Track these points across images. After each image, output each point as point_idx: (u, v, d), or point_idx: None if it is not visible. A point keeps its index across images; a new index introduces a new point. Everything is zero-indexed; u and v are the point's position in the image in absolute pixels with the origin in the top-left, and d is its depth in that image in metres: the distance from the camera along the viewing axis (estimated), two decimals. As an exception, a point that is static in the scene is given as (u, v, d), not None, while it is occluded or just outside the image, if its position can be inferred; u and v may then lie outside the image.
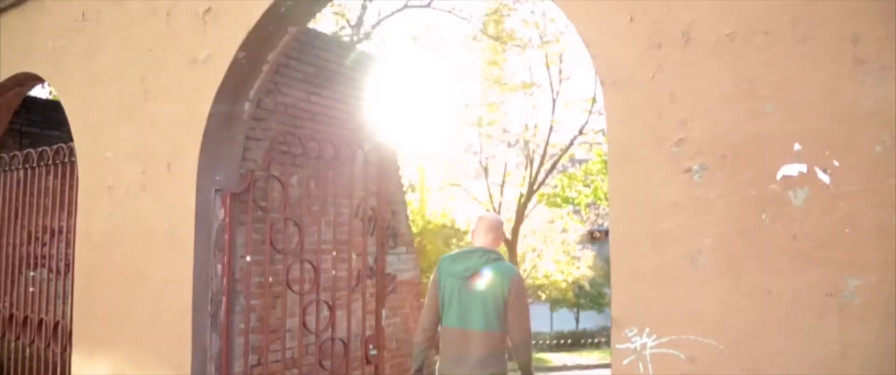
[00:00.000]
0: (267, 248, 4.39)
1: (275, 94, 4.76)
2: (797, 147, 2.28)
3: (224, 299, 4.16)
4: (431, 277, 3.69)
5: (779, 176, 2.30)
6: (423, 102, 13.19)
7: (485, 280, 3.44)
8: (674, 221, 2.47)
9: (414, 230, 20.86)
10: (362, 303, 4.94)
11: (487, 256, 3.51)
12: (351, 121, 5.44)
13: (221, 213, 4.18)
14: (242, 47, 3.95)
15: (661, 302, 2.47)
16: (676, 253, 2.45)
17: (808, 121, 2.27)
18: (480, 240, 3.65)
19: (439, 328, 3.64)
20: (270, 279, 4.44)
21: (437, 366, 3.67)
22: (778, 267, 2.28)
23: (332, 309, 4.73)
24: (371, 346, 4.93)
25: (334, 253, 4.77)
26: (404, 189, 6.06)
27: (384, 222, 5.08)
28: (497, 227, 3.71)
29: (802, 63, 2.29)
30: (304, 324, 4.53)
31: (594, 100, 15.45)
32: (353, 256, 5.05)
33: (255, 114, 4.56)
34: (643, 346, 2.48)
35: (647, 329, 2.48)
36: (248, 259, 4.29)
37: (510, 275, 3.47)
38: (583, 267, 29.99)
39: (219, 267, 4.16)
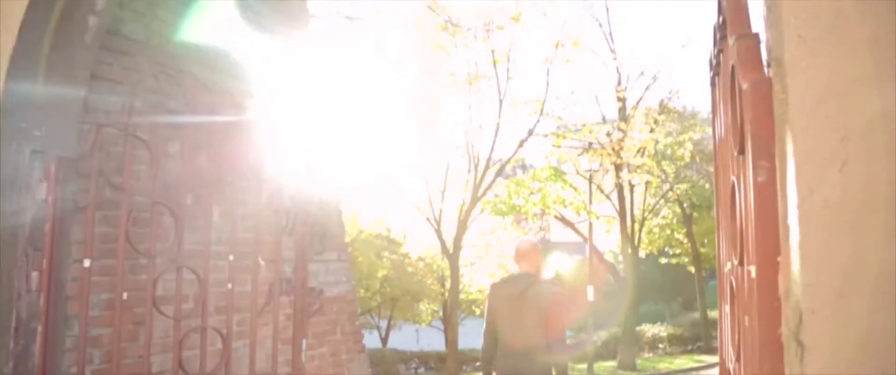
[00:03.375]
0: (121, 248, 2.82)
1: (147, 19, 3.21)
2: None
3: (41, 328, 2.58)
4: (486, 303, 4.37)
5: None
6: (357, 96, 11.70)
7: (532, 299, 4.04)
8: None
9: (346, 238, 19.09)
10: (274, 330, 3.41)
11: (531, 279, 4.15)
12: (263, 75, 3.93)
13: (42, 190, 2.61)
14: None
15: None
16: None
17: None
18: (524, 266, 4.24)
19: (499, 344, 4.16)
20: (126, 295, 2.87)
21: None
22: None
23: (226, 339, 3.19)
24: (285, 393, 3.42)
25: (231, 258, 3.23)
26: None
27: (308, 216, 3.59)
28: (536, 252, 4.28)
29: None
30: (180, 365, 2.98)
31: (543, 103, 14.33)
32: (262, 263, 3.53)
33: (112, 44, 3.01)
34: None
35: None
36: (88, 263, 2.72)
37: (551, 292, 4.15)
38: (518, 281, 28.98)
39: (34, 276, 2.58)
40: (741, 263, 1.67)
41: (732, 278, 1.90)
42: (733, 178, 1.77)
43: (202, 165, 3.32)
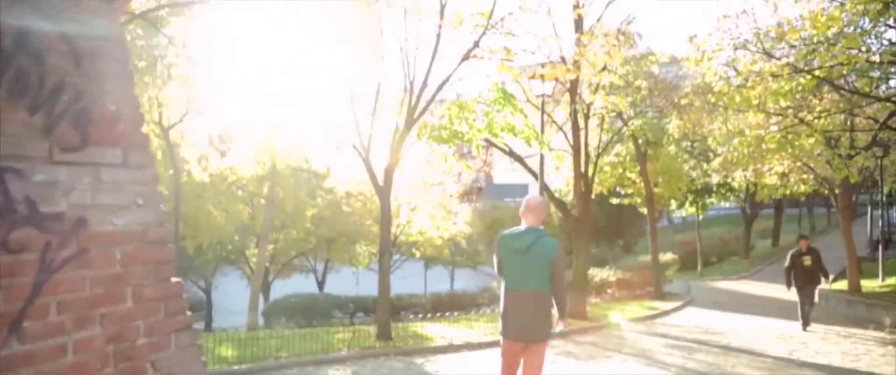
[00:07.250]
0: None
1: None
2: None
3: None
4: (495, 249, 5.23)
5: None
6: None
7: (537, 252, 4.93)
8: None
9: (260, 171, 16.68)
10: None
11: (538, 234, 5.00)
12: None
13: None
14: None
15: None
16: None
17: None
18: (530, 220, 5.07)
19: (503, 288, 5.12)
20: None
21: (501, 316, 5.14)
22: None
23: None
24: None
25: None
26: (121, 20, 2.50)
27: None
28: (542, 208, 5.22)
29: None
30: None
31: (490, 15, 12.21)
32: None
33: None
34: None
35: None
36: None
37: (555, 248, 4.98)
38: (460, 222, 27.36)
39: None
40: None
41: None
42: None
43: None
